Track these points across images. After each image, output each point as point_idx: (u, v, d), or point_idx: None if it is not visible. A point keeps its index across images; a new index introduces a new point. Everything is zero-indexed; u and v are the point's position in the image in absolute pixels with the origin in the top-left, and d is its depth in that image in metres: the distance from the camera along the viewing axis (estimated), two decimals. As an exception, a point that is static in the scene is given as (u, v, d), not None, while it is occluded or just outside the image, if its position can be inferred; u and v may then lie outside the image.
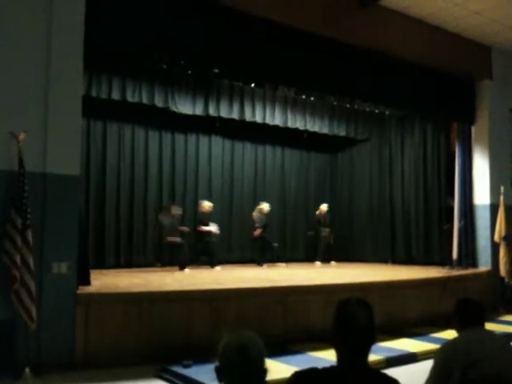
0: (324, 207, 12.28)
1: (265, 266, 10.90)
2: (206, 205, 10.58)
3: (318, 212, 12.30)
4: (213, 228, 10.49)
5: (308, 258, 12.65)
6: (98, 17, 5.92)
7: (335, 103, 11.84)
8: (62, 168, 5.51)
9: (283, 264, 11.19)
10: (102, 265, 9.57)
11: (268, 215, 11.35)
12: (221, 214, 11.53)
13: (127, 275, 8.49)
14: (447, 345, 3.00)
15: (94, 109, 8.94)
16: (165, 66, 9.19)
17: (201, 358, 5.27)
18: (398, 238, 12.10)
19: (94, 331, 5.48)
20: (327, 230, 12.11)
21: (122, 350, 5.55)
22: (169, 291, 6.25)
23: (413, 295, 7.91)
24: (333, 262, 11.96)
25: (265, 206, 11.31)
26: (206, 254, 10.42)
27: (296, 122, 11.81)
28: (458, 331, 3.12)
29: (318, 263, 11.87)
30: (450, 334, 3.34)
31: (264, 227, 11.20)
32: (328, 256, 12.06)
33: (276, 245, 11.53)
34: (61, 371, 5.13)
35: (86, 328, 5.45)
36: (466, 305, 3.18)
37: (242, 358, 1.80)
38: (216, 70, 8.44)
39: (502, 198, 9.67)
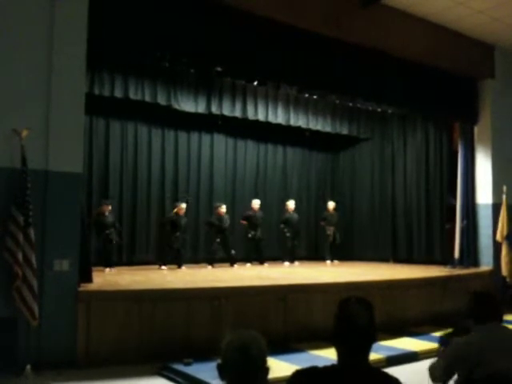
0: (331, 205, 12.29)
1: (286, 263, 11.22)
2: (255, 204, 11.33)
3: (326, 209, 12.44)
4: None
5: (310, 256, 12.65)
6: (101, 15, 5.92)
7: (337, 102, 11.80)
8: (65, 165, 5.53)
9: (286, 262, 11.20)
10: (104, 262, 9.56)
11: (292, 212, 11.62)
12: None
13: (129, 273, 8.51)
14: (460, 340, 2.94)
15: (96, 106, 8.92)
16: (167, 64, 9.14)
17: (201, 356, 5.29)
18: (400, 236, 12.08)
19: (95, 329, 5.49)
20: (332, 228, 12.10)
21: (122, 347, 5.56)
22: (170, 289, 6.27)
23: (414, 294, 7.90)
24: (335, 261, 11.97)
25: (288, 203, 11.62)
26: (255, 251, 11.12)
27: (298, 120, 11.79)
28: (473, 326, 2.98)
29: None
30: (452, 334, 3.32)
31: (285, 223, 11.46)
32: (330, 255, 12.06)
33: (295, 243, 11.64)
34: (62, 369, 5.14)
35: (87, 325, 5.46)
36: (481, 299, 3.02)
37: (244, 357, 1.80)
38: (218, 68, 8.41)
39: (504, 197, 9.65)
